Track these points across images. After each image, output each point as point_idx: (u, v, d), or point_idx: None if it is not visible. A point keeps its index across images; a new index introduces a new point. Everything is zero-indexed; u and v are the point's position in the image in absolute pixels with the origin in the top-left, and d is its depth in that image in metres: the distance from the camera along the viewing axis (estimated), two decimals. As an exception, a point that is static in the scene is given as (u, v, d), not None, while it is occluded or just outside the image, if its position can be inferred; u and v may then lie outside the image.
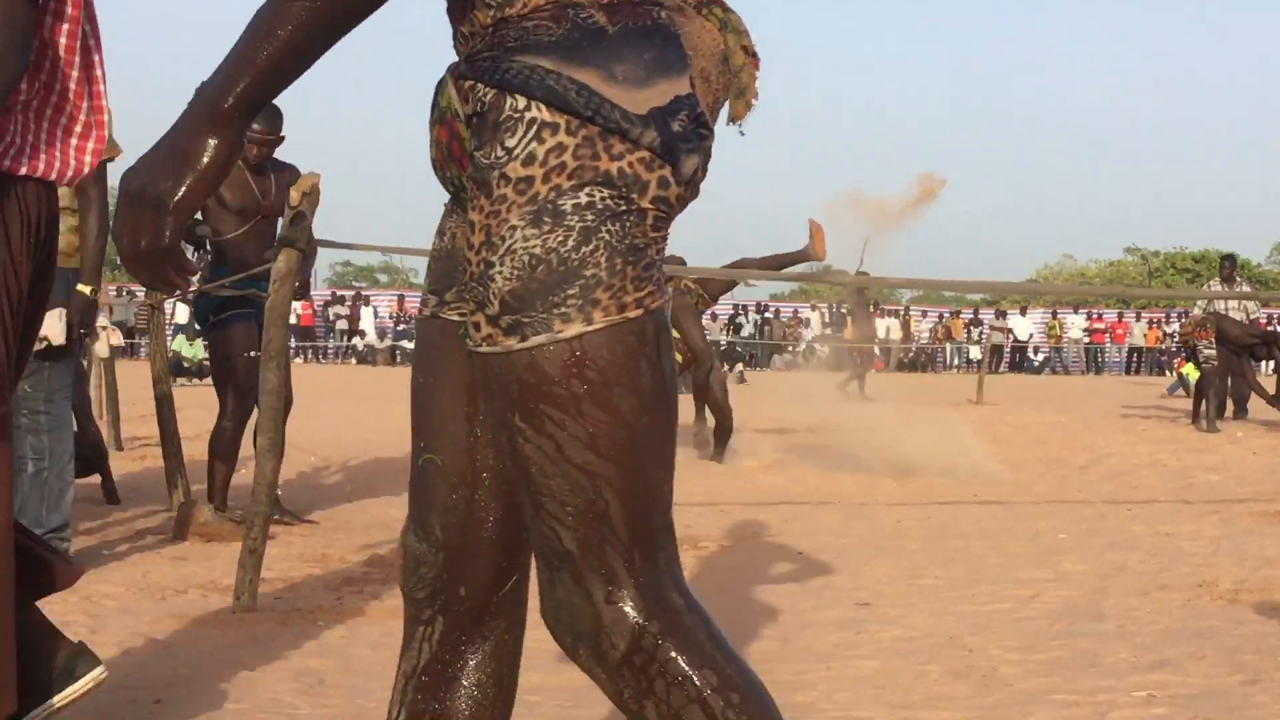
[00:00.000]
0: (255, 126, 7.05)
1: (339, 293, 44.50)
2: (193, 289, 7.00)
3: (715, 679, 1.67)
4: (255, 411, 5.86)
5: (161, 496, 7.86)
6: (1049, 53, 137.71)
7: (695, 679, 1.66)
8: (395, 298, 44.26)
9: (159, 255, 1.58)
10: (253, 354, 6.60)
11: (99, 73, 2.83)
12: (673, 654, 1.66)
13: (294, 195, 5.11)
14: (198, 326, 8.54)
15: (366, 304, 43.03)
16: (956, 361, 43.32)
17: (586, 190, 1.62)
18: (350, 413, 15.36)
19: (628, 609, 1.67)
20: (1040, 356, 44.26)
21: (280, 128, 7.20)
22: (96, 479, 8.02)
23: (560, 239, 1.61)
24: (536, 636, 4.63)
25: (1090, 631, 4.84)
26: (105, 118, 2.85)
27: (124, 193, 1.58)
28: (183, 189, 1.55)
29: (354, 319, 42.03)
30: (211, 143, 1.55)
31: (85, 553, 6.14)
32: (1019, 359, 43.45)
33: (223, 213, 7.09)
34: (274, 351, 5.08)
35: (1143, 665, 4.32)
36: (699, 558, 6.41)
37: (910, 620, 5.05)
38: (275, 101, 7.09)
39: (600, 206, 1.63)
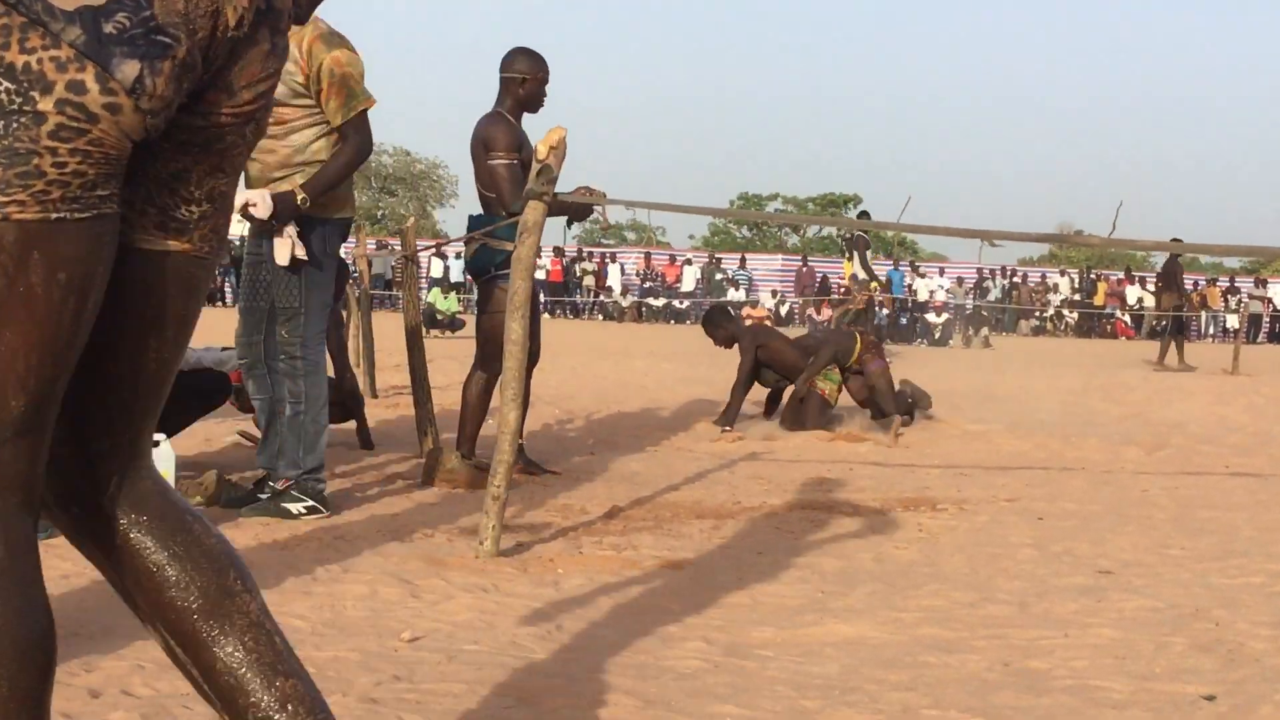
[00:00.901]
0: (521, 69, 7.16)
1: (586, 249, 45.03)
2: (478, 241, 7.13)
3: None
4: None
5: (413, 443, 8.10)
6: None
7: None
8: (642, 255, 44.63)
9: None
10: None
11: None
12: None
13: (541, 149, 5.19)
14: (468, 277, 8.60)
15: (613, 260, 43.48)
16: (1212, 330, 41.86)
17: None
18: (594, 367, 15.58)
19: None
20: (1303, 327, 42.44)
21: (543, 68, 7.26)
22: (352, 425, 8.32)
23: None
24: (771, 591, 4.65)
25: (1346, 610, 4.66)
26: None
27: None
28: None
29: (600, 275, 42.53)
30: None
31: (339, 495, 6.38)
32: (1279, 329, 41.74)
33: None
34: (518, 303, 5.18)
35: (1402, 646, 4.14)
36: (936, 519, 6.35)
37: (1155, 590, 4.92)
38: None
39: None
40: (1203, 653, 4.05)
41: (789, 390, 10.33)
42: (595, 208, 6.95)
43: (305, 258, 5.71)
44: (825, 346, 10.44)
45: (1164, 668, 3.89)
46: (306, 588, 4.51)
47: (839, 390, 10.36)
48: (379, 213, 65.80)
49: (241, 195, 5.62)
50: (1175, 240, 13.85)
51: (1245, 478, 8.33)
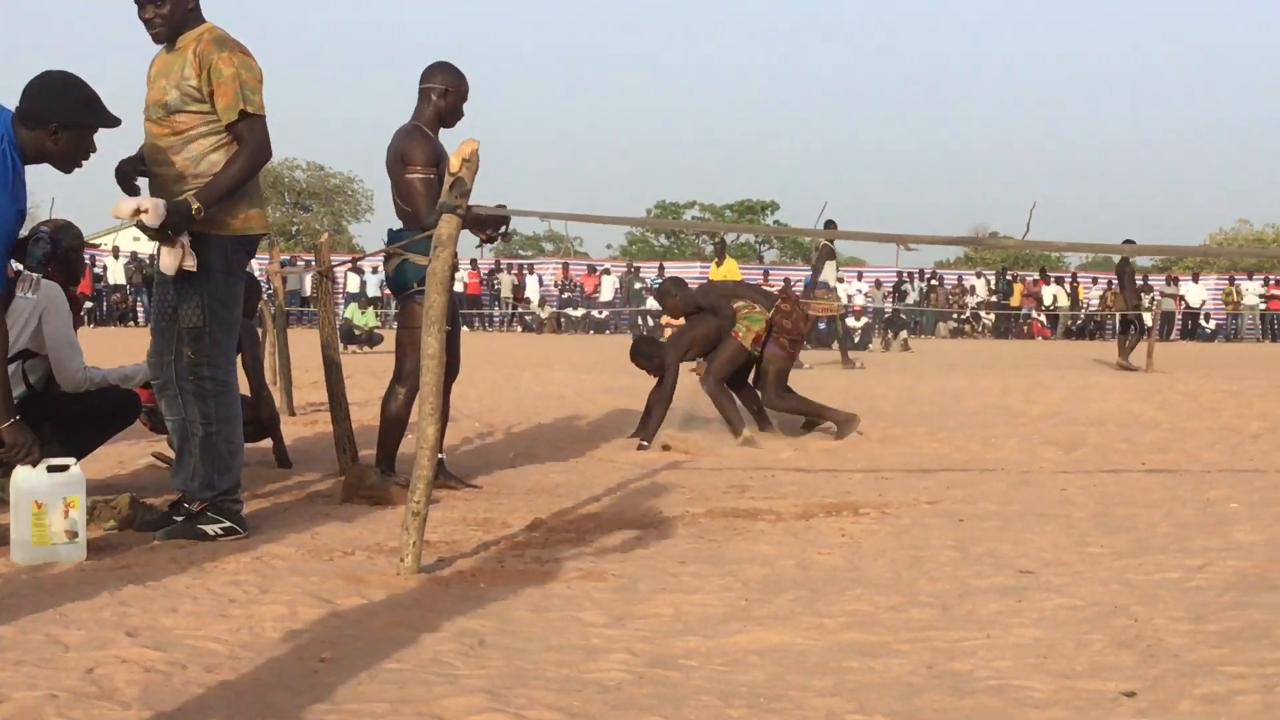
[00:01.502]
0: (441, 81, 7.16)
1: (505, 261, 44.92)
2: (403, 256, 7.07)
3: None
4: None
5: (331, 460, 8.03)
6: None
7: None
8: (560, 265, 44.56)
9: None
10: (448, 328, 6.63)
11: None
12: None
13: (454, 161, 5.15)
14: (386, 292, 8.57)
15: (531, 272, 43.40)
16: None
17: None
18: (514, 380, 15.53)
19: None
20: (1213, 324, 43.13)
21: (463, 81, 7.25)
22: (269, 443, 8.23)
23: None
24: (695, 601, 4.64)
25: (1262, 603, 4.71)
26: None
27: None
28: None
29: (519, 287, 42.42)
30: None
31: (257, 515, 6.30)
32: (1191, 326, 42.39)
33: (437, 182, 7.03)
34: (434, 317, 5.14)
35: (1316, 638, 4.20)
36: (859, 524, 6.38)
37: (1075, 589, 4.96)
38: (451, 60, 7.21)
39: None
40: (1122, 649, 4.09)
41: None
42: (507, 225, 6.95)
43: (194, 268, 5.62)
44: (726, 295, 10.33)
45: (1085, 665, 3.91)
46: (224, 610, 4.44)
47: (765, 331, 10.01)
48: (293, 228, 65.35)
49: (132, 202, 5.53)
50: (1128, 242, 13.97)
51: (1161, 474, 8.43)
